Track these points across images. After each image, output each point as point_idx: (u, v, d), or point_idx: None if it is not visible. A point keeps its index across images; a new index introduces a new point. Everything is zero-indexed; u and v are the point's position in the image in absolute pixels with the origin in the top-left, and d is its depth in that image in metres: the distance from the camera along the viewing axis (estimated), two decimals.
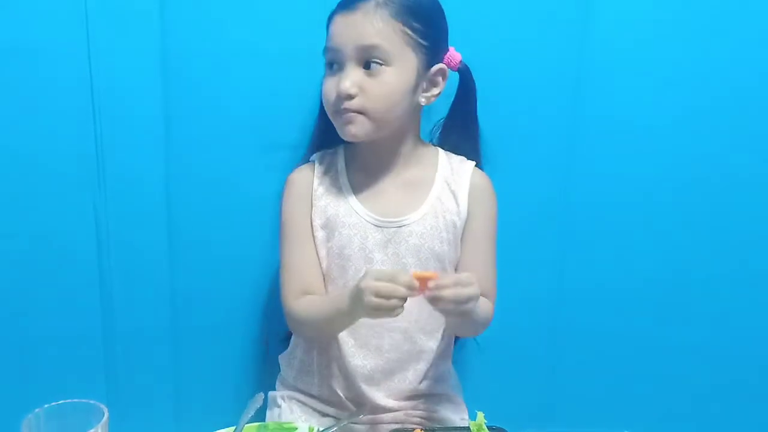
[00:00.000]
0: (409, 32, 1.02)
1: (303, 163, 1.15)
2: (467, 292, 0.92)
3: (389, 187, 1.09)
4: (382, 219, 1.07)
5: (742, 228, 1.30)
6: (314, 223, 1.09)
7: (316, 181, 1.10)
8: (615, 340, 1.33)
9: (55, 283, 1.20)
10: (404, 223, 1.07)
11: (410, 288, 0.90)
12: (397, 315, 0.91)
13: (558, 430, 0.94)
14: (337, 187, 1.09)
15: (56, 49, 1.12)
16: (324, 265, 1.09)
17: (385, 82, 1.02)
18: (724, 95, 1.24)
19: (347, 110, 1.02)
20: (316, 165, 1.12)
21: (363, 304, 0.92)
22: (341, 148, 1.13)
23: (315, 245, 1.09)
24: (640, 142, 1.26)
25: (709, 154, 1.26)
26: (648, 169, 1.27)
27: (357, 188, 1.09)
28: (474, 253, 1.10)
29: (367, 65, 1.01)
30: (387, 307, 0.90)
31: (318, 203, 1.09)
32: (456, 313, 0.94)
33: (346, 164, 1.12)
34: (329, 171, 1.11)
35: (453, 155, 1.14)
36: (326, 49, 1.04)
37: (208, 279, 1.25)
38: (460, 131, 1.16)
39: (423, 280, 0.90)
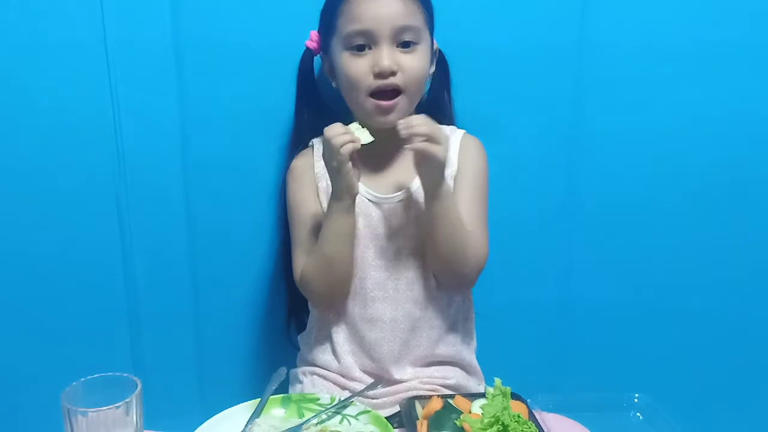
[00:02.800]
0: (425, 11, 1.06)
1: (293, 154, 1.17)
2: (438, 133, 0.97)
3: (385, 166, 1.12)
4: (381, 196, 1.10)
5: (748, 195, 1.30)
6: (322, 204, 1.11)
7: (317, 165, 1.13)
8: (624, 307, 1.34)
9: (82, 271, 1.24)
10: (402, 197, 1.10)
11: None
12: (351, 146, 0.98)
13: (569, 395, 0.96)
14: None
15: (74, 47, 1.15)
16: None
17: (418, 58, 1.06)
18: (724, 86, 1.25)
19: (387, 87, 1.04)
20: (315, 149, 1.14)
21: (331, 169, 1.00)
22: None
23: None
24: (644, 115, 1.27)
25: (712, 134, 1.27)
26: (653, 142, 1.28)
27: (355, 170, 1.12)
28: (459, 203, 1.08)
29: (402, 44, 1.04)
30: (338, 143, 0.97)
31: (320, 184, 1.12)
32: (429, 167, 0.98)
33: None
34: None
35: (444, 127, 1.16)
36: (353, 33, 1.03)
37: (228, 262, 1.29)
38: (438, 107, 1.18)
39: None
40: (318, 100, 1.18)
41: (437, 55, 1.14)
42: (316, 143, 1.16)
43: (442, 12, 1.11)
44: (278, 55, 1.18)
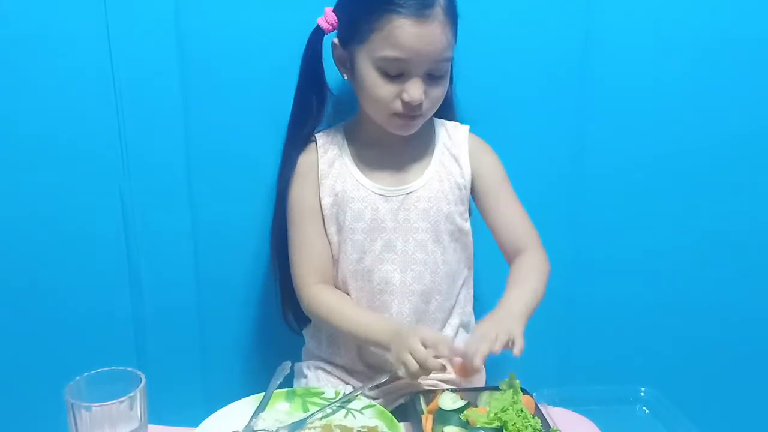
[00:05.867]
0: (455, 31, 1.03)
1: (293, 145, 1.15)
2: (496, 347, 0.89)
3: (392, 159, 1.11)
4: (389, 188, 1.09)
5: (755, 189, 1.30)
6: (323, 202, 1.10)
7: (320, 161, 1.11)
8: (629, 300, 1.34)
9: (86, 265, 1.24)
10: (410, 189, 1.09)
11: (440, 368, 0.92)
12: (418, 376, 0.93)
13: (575, 389, 0.96)
14: (341, 164, 1.11)
15: (76, 39, 1.14)
16: (335, 240, 1.11)
17: (444, 85, 1.05)
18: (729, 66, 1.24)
19: (412, 116, 1.03)
20: (319, 145, 1.13)
21: (396, 353, 0.94)
22: (341, 127, 1.15)
23: (324, 224, 1.11)
24: (649, 110, 1.27)
25: (716, 117, 1.27)
26: (658, 136, 1.27)
27: (361, 163, 1.11)
28: (503, 206, 1.11)
29: (434, 75, 1.02)
30: (413, 371, 0.92)
31: (325, 182, 1.10)
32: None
33: (347, 141, 1.13)
34: (332, 149, 1.12)
35: (446, 121, 1.16)
36: (391, 59, 0.99)
37: (232, 256, 1.28)
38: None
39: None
40: (324, 85, 1.15)
41: None
42: (320, 139, 1.14)
43: None
44: (283, 46, 1.17)
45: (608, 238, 1.32)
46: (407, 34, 0.97)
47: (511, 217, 1.11)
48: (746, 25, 1.22)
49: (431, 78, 1.02)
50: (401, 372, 0.94)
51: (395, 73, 1.00)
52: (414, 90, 1.00)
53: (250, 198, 1.25)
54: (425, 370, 0.92)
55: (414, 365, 0.92)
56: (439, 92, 1.04)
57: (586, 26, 1.22)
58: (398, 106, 1.02)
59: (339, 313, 1.07)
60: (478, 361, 0.87)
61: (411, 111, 1.03)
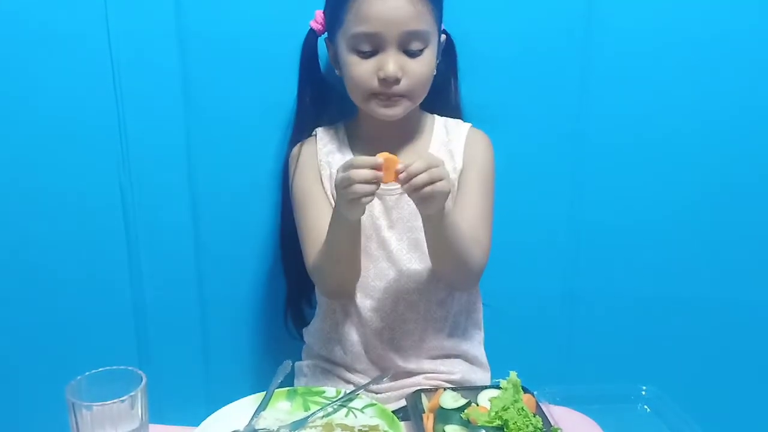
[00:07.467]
0: (434, 8, 1.04)
1: (295, 142, 1.16)
2: (440, 171, 0.90)
3: None
4: (383, 187, 1.08)
5: (755, 187, 1.29)
6: (325, 188, 1.11)
7: (320, 154, 1.12)
8: (631, 299, 1.34)
9: (87, 264, 1.24)
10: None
11: (373, 166, 0.89)
12: (365, 200, 0.91)
13: (577, 388, 0.95)
14: (342, 159, 1.11)
15: (76, 38, 1.14)
16: None
17: (425, 63, 1.04)
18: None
19: (391, 94, 1.03)
20: (319, 139, 1.14)
21: (341, 198, 0.93)
22: (341, 124, 1.16)
23: (330, 204, 1.10)
24: (649, 109, 1.26)
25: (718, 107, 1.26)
26: (659, 135, 1.27)
27: None
28: (465, 199, 1.08)
29: (409, 50, 1.02)
30: (354, 193, 0.90)
31: (324, 172, 1.11)
32: (432, 205, 0.92)
33: (348, 138, 1.14)
34: (332, 144, 1.13)
35: (449, 119, 1.16)
36: (361, 35, 1.01)
37: (233, 255, 1.28)
38: (444, 95, 1.17)
39: (389, 162, 0.90)
40: (321, 84, 1.17)
41: (443, 45, 1.13)
42: (320, 132, 1.15)
43: (448, 3, 1.10)
44: (283, 44, 1.17)
45: (609, 236, 1.31)
46: (373, 6, 0.99)
47: (468, 209, 1.07)
48: (746, 25, 1.21)
49: (408, 54, 1.02)
50: (356, 204, 0.91)
51: (368, 49, 1.02)
52: (387, 63, 1.01)
53: (250, 195, 1.26)
54: (360, 177, 0.89)
55: (353, 188, 0.90)
56: (419, 69, 1.03)
57: (586, 26, 1.21)
58: (375, 83, 1.02)
59: (326, 241, 1.03)
60: (420, 178, 0.88)
61: (388, 87, 1.02)
